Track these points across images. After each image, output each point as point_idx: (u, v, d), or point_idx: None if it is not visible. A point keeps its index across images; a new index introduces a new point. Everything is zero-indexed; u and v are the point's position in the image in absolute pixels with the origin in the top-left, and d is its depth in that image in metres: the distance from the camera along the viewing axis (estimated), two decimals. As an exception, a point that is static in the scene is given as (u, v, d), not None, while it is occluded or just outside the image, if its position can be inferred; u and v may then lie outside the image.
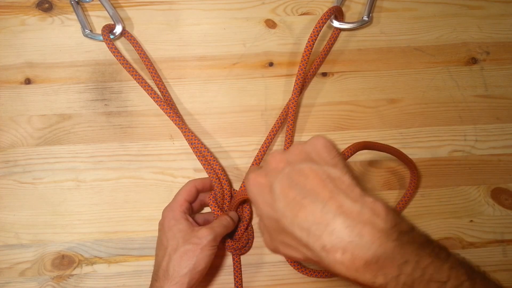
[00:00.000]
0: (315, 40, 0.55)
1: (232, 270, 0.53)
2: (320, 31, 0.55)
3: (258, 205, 0.37)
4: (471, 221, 0.56)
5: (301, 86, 0.56)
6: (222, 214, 0.51)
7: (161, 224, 0.50)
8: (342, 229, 0.31)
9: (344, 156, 0.42)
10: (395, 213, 0.33)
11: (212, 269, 0.54)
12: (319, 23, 0.55)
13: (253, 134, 0.56)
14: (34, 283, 0.52)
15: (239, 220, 0.53)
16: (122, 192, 0.55)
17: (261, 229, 0.40)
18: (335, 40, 0.60)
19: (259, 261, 0.54)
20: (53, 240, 0.53)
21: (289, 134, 0.55)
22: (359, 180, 0.44)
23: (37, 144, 0.56)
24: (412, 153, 0.57)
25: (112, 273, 0.53)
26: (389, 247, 0.31)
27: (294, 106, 0.55)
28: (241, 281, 0.52)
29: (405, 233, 0.33)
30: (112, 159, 0.56)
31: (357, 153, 0.56)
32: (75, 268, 0.53)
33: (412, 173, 0.54)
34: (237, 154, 0.56)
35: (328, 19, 0.56)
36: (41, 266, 0.53)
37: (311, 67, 0.58)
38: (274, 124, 0.56)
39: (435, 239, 0.35)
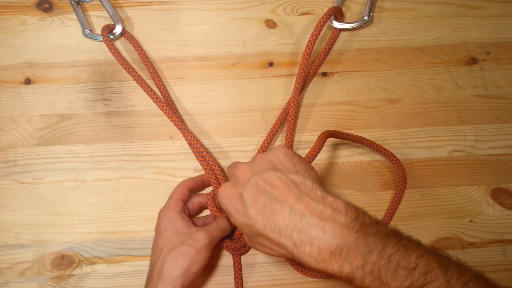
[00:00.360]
0: (316, 40, 0.55)
1: (232, 270, 0.53)
2: (320, 31, 0.55)
3: (232, 214, 0.40)
4: (471, 221, 0.56)
5: (302, 86, 0.56)
6: (220, 217, 0.51)
7: (157, 225, 0.50)
8: (308, 227, 0.36)
9: (310, 157, 0.46)
10: (356, 209, 0.37)
11: (212, 269, 0.54)
12: (319, 23, 0.55)
13: (253, 134, 0.56)
14: (34, 283, 0.52)
15: None
16: (122, 192, 0.55)
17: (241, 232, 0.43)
18: (335, 40, 0.60)
19: (259, 261, 0.54)
20: (53, 240, 0.53)
21: (290, 133, 0.55)
22: (321, 181, 0.47)
23: (37, 144, 0.56)
24: (412, 153, 0.57)
25: (112, 273, 0.53)
26: (351, 238, 0.35)
27: (295, 106, 0.55)
28: (242, 281, 0.52)
29: (368, 226, 0.36)
30: (112, 159, 0.56)
31: (357, 153, 0.57)
32: (75, 268, 0.53)
33: (394, 163, 0.55)
34: (237, 154, 0.56)
35: (328, 19, 0.56)
36: (41, 266, 0.53)
37: (311, 67, 0.58)
38: (274, 124, 0.56)
39: (407, 234, 0.38)
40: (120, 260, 0.53)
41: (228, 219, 0.50)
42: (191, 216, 0.53)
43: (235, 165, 0.43)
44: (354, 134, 0.54)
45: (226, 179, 0.54)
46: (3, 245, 0.53)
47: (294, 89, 0.55)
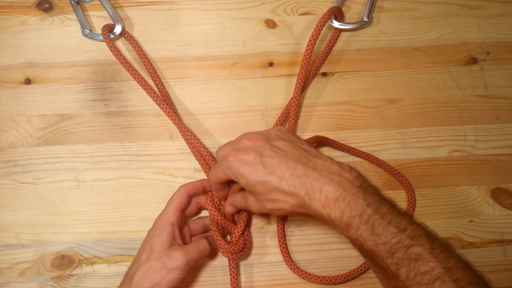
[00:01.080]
0: (316, 40, 0.55)
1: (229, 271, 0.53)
2: (321, 31, 0.55)
3: (245, 176, 0.43)
4: (471, 221, 0.56)
5: (303, 87, 0.56)
6: (200, 238, 0.50)
7: (149, 231, 0.50)
8: (319, 178, 0.41)
9: None
10: (358, 171, 0.43)
11: (211, 269, 0.53)
12: (320, 23, 0.55)
13: (253, 134, 0.56)
14: (34, 283, 0.52)
15: (235, 226, 0.52)
16: (122, 192, 0.55)
17: (246, 196, 0.46)
18: (335, 41, 0.60)
19: (258, 261, 0.54)
20: (53, 240, 0.53)
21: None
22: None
23: (37, 144, 0.56)
24: (412, 153, 0.57)
25: (112, 273, 0.53)
26: (353, 190, 0.41)
27: (296, 106, 0.55)
28: (237, 285, 0.52)
29: (368, 185, 0.42)
30: (112, 159, 0.56)
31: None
32: (75, 268, 0.53)
33: (390, 172, 0.56)
34: (237, 154, 0.56)
35: (328, 19, 0.56)
36: (41, 266, 0.53)
37: (311, 67, 0.58)
38: (274, 125, 0.56)
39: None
40: (120, 260, 0.53)
41: (208, 241, 0.50)
42: (190, 216, 0.53)
43: (240, 137, 0.46)
44: (349, 145, 0.56)
45: None
46: (3, 245, 0.53)
47: (295, 89, 0.55)
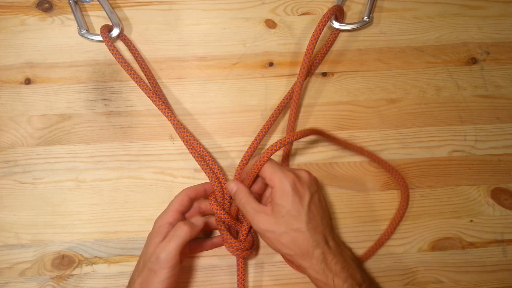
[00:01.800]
0: (317, 40, 0.55)
1: (236, 271, 0.53)
2: (322, 30, 0.55)
3: (287, 201, 0.46)
4: (471, 221, 0.56)
5: (302, 86, 0.56)
6: (177, 224, 0.48)
7: (151, 231, 0.50)
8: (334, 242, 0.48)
9: (286, 140, 0.50)
10: None
11: (214, 269, 0.53)
12: (321, 22, 0.55)
13: (253, 134, 0.56)
14: (34, 283, 0.52)
15: (237, 221, 0.52)
16: (122, 192, 0.55)
17: (259, 208, 0.48)
18: (334, 41, 0.60)
19: (260, 261, 0.54)
20: (53, 240, 0.53)
21: (290, 130, 0.56)
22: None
23: (37, 144, 0.56)
24: (412, 153, 0.57)
25: (112, 273, 0.53)
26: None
27: (296, 106, 0.55)
28: (244, 285, 0.52)
29: None
30: (112, 159, 0.56)
31: (357, 153, 0.57)
32: (75, 268, 0.53)
33: (383, 166, 0.56)
34: (237, 154, 0.56)
35: (329, 18, 0.56)
36: (41, 266, 0.53)
37: (311, 67, 0.58)
38: (267, 122, 0.55)
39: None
40: (120, 260, 0.53)
41: (192, 221, 0.49)
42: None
43: (298, 172, 0.49)
44: (341, 138, 0.56)
45: (226, 178, 0.54)
46: (3, 245, 0.53)
47: (295, 89, 0.55)
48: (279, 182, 0.47)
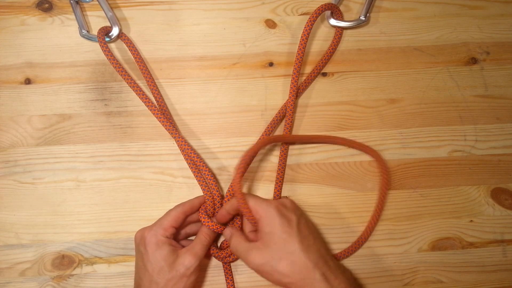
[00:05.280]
0: (308, 37, 0.55)
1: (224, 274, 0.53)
2: (311, 28, 0.55)
3: (276, 227, 0.46)
4: (471, 221, 0.56)
5: (297, 86, 0.56)
6: (200, 232, 0.50)
7: (143, 246, 0.48)
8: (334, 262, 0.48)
9: (254, 152, 0.52)
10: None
11: (211, 269, 0.54)
12: (310, 19, 0.55)
13: (253, 134, 0.56)
14: (34, 283, 0.52)
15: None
16: (122, 192, 0.55)
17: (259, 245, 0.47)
18: (338, 41, 0.59)
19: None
20: (53, 240, 0.54)
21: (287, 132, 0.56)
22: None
23: (37, 144, 0.56)
24: (412, 153, 0.57)
25: (112, 273, 0.53)
26: None
27: (292, 107, 0.55)
28: (233, 285, 0.53)
29: None
30: (112, 159, 0.56)
31: (357, 153, 0.57)
32: (75, 268, 0.53)
33: (359, 147, 0.56)
34: (237, 154, 0.56)
35: (319, 15, 0.56)
36: (41, 266, 0.53)
37: (315, 67, 0.58)
38: (270, 124, 0.56)
39: None
40: (120, 260, 0.53)
41: (208, 233, 0.50)
42: (183, 238, 0.53)
43: (280, 200, 0.50)
44: (301, 135, 0.57)
45: (219, 187, 0.54)
46: (3, 245, 0.53)
47: (290, 89, 0.56)
48: (264, 211, 0.47)
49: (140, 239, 0.49)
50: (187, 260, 0.47)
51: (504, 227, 0.55)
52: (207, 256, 0.53)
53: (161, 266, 0.47)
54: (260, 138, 0.56)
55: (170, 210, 0.50)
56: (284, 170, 0.56)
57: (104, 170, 0.55)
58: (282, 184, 0.55)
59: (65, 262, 0.53)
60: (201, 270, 0.53)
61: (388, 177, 0.55)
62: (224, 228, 0.51)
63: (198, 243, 0.49)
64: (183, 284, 0.47)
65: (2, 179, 0.55)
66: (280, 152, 0.56)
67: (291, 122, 0.56)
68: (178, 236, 0.52)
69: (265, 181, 0.56)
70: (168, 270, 0.47)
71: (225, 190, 0.55)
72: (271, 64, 0.59)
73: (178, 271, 0.47)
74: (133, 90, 0.55)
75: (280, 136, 0.55)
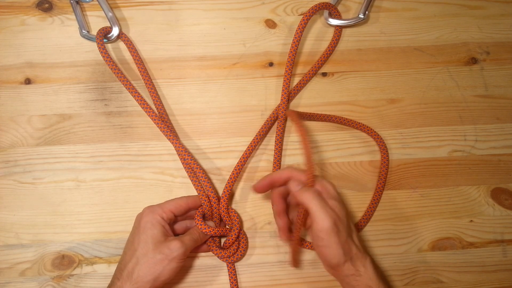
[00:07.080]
0: (301, 35, 0.56)
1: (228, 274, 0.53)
2: (305, 25, 0.55)
3: (320, 209, 0.46)
4: (471, 221, 0.56)
5: (289, 86, 0.56)
6: (193, 228, 0.51)
7: (138, 221, 0.49)
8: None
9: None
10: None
11: (212, 269, 0.54)
12: (306, 16, 0.55)
13: (253, 134, 0.56)
14: (34, 283, 0.52)
15: (229, 230, 0.53)
16: (122, 192, 0.55)
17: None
18: (338, 40, 0.59)
19: (258, 261, 0.54)
20: (53, 240, 0.53)
21: (279, 135, 0.56)
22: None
23: (37, 144, 0.56)
24: (412, 153, 0.57)
25: (112, 273, 0.53)
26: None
27: (284, 109, 0.56)
28: (237, 285, 0.52)
29: None
30: (112, 159, 0.56)
31: (357, 153, 0.57)
32: (75, 268, 0.53)
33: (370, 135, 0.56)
34: (237, 154, 0.56)
35: (313, 14, 0.56)
36: (41, 266, 0.53)
37: (313, 66, 0.58)
38: (264, 125, 0.56)
39: None
40: (120, 260, 0.53)
41: (200, 232, 0.51)
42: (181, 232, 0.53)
43: (325, 181, 0.49)
44: (318, 113, 0.57)
45: (215, 191, 0.54)
46: (3, 245, 0.53)
47: (282, 88, 0.56)
48: (322, 221, 0.46)
49: (139, 214, 0.50)
50: (173, 244, 0.47)
51: (504, 227, 0.55)
52: (208, 255, 0.53)
53: (147, 243, 0.47)
54: (256, 138, 0.55)
55: (176, 198, 0.51)
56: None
57: (104, 170, 0.55)
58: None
59: (65, 262, 0.53)
60: (185, 270, 0.53)
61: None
62: (216, 232, 0.51)
63: (188, 235, 0.50)
64: (161, 267, 0.46)
65: (2, 179, 0.55)
66: (275, 151, 0.56)
67: (283, 125, 0.56)
68: (176, 229, 0.52)
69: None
70: (152, 249, 0.47)
71: (221, 191, 0.55)
72: (271, 64, 0.59)
73: (160, 253, 0.47)
74: (130, 92, 0.55)
75: (302, 113, 0.55)
